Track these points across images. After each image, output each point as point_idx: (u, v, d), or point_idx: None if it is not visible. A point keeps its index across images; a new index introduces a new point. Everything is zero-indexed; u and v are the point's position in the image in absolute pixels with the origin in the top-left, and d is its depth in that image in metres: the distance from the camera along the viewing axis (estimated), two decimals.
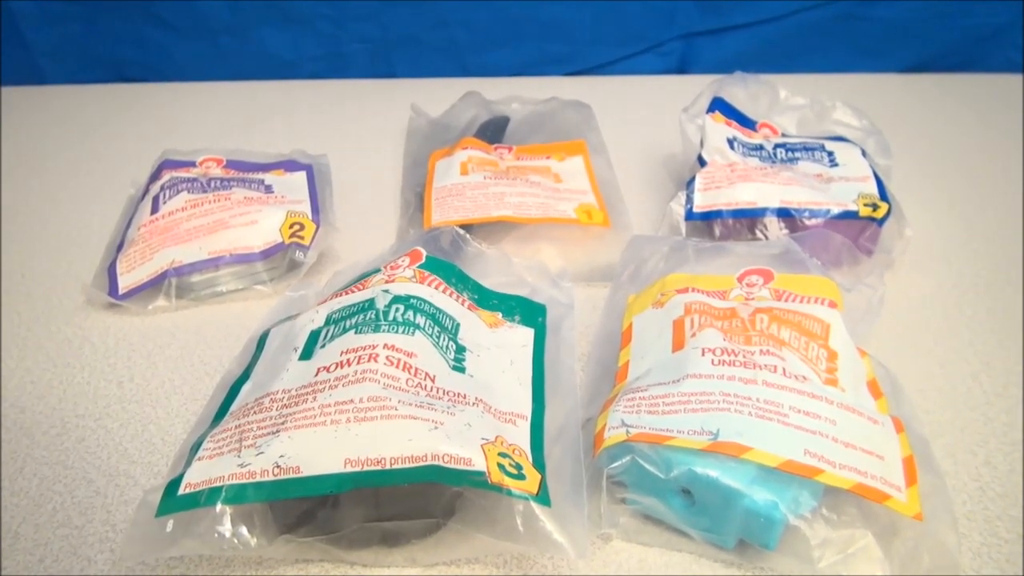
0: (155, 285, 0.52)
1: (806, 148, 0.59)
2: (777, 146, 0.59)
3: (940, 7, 0.83)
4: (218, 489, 0.33)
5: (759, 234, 0.54)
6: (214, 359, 0.49)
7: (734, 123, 0.60)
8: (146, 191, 0.59)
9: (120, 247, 0.55)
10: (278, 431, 0.34)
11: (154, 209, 0.55)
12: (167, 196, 0.56)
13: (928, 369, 0.47)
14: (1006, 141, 0.73)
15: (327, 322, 0.42)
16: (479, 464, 0.33)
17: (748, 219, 0.54)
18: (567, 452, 0.38)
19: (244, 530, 0.33)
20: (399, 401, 0.35)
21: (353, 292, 0.43)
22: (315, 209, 0.57)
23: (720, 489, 0.34)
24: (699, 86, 0.63)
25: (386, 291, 0.42)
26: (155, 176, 0.60)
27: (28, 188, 0.68)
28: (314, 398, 0.36)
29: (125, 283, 0.52)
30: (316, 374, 0.38)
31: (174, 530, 0.33)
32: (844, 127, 0.63)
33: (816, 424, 0.35)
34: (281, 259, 0.54)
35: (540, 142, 0.66)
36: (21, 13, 0.84)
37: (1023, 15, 0.83)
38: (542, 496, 0.34)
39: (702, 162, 0.57)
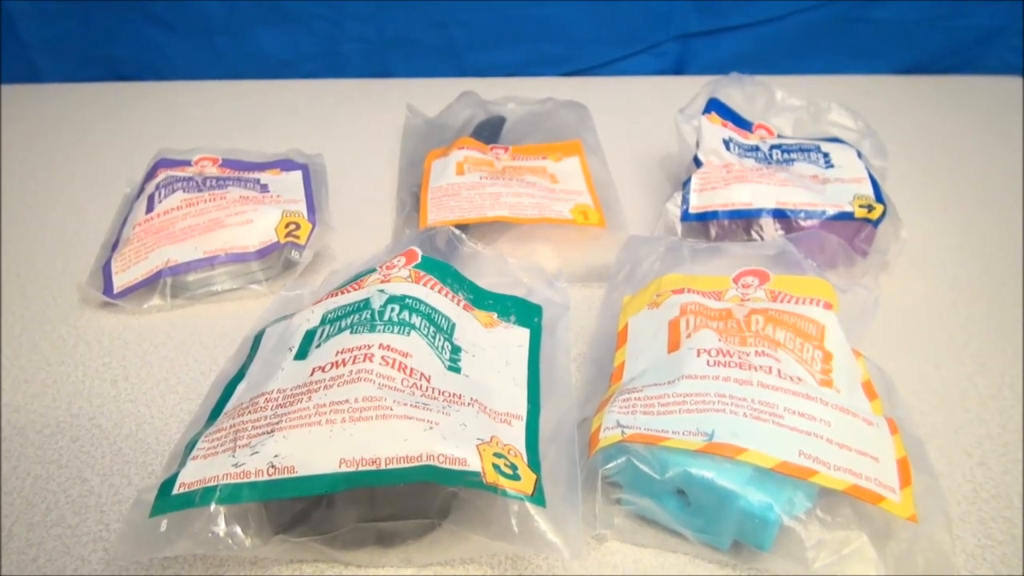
0: (150, 284, 0.52)
1: (802, 149, 0.59)
2: (773, 147, 0.59)
3: (936, 9, 0.83)
4: (212, 489, 0.33)
5: (755, 235, 0.54)
6: (209, 358, 0.49)
7: (730, 124, 0.60)
8: (141, 190, 0.59)
9: (115, 246, 0.55)
10: (273, 431, 0.34)
11: (149, 208, 0.55)
12: (162, 195, 0.56)
13: (923, 371, 0.47)
14: (1002, 143, 0.74)
15: (323, 322, 0.42)
16: (474, 464, 0.33)
17: (744, 220, 0.54)
18: (562, 453, 0.37)
19: (238, 530, 0.33)
20: (394, 401, 0.35)
21: (349, 292, 0.43)
22: (311, 208, 0.57)
23: (715, 490, 0.34)
24: (695, 87, 0.63)
25: (382, 291, 0.42)
26: (150, 175, 0.59)
27: (23, 186, 0.68)
28: (309, 398, 0.36)
29: (120, 282, 0.52)
30: (311, 374, 0.37)
31: (168, 530, 0.33)
32: (840, 128, 0.63)
33: (811, 425, 0.35)
34: (277, 258, 0.54)
35: (536, 142, 0.66)
36: (17, 11, 0.83)
37: (1020, 18, 0.83)
38: (537, 497, 0.34)
39: (698, 163, 0.57)
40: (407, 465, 0.33)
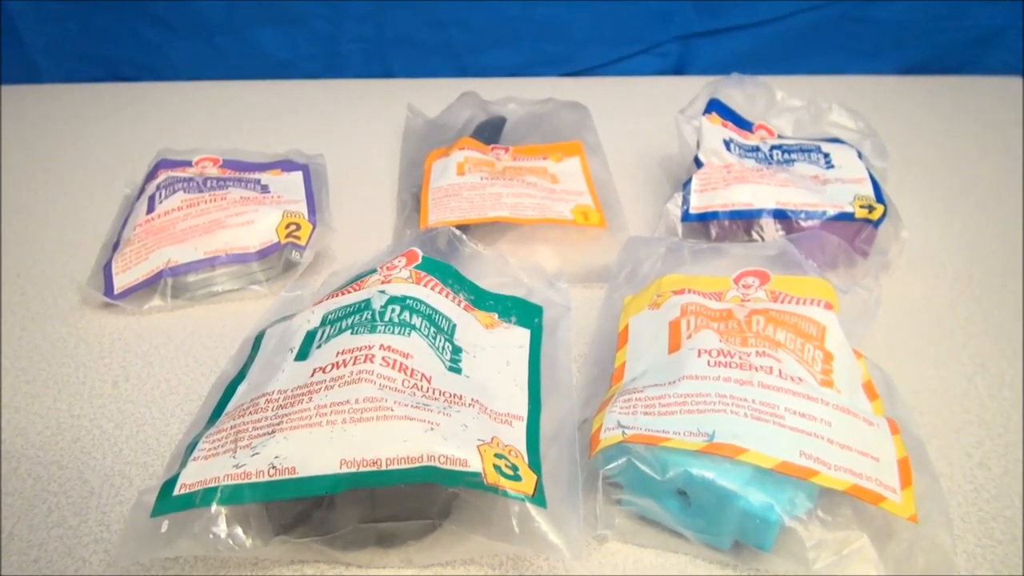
0: (151, 285, 0.52)
1: (802, 150, 0.59)
2: (773, 148, 0.59)
3: (937, 9, 0.83)
4: (213, 490, 0.33)
5: (755, 236, 0.54)
6: (210, 359, 0.49)
7: (730, 124, 0.60)
8: (142, 190, 0.59)
9: (116, 247, 0.55)
10: (273, 432, 0.34)
11: (150, 209, 0.55)
12: (163, 196, 0.56)
13: (923, 371, 0.47)
14: (1002, 143, 0.73)
15: (323, 323, 0.42)
16: (475, 465, 0.33)
17: (744, 220, 0.54)
18: (563, 453, 0.38)
19: (239, 531, 0.33)
20: (395, 402, 0.35)
21: (349, 293, 0.43)
22: (311, 209, 0.57)
23: (716, 490, 0.34)
24: (696, 87, 0.63)
25: (382, 292, 0.42)
26: (151, 175, 0.59)
27: (23, 187, 0.68)
28: (310, 399, 0.36)
29: (120, 283, 0.52)
30: (312, 375, 0.37)
31: (169, 531, 0.33)
32: (840, 129, 0.63)
33: (811, 426, 0.35)
34: (277, 259, 0.54)
35: (537, 143, 0.66)
36: (17, 11, 0.83)
37: (1020, 18, 0.83)
38: (538, 497, 0.34)
39: (698, 163, 0.57)
40: (408, 466, 0.33)
